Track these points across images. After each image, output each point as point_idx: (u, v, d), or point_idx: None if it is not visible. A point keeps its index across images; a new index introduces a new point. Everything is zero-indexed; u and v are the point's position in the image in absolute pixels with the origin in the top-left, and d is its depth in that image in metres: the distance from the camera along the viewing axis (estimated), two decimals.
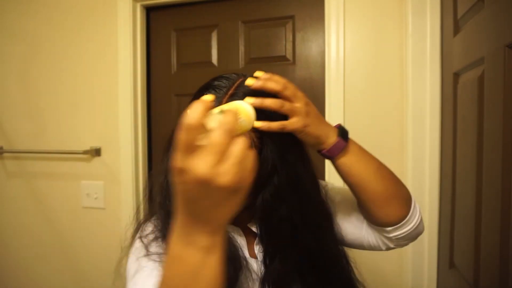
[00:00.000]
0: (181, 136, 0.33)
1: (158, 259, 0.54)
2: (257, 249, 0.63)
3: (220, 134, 0.33)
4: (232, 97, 0.52)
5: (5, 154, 1.63)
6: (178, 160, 0.33)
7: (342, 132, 0.59)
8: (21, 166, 1.62)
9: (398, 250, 1.24)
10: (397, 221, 0.61)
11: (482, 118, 0.76)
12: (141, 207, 0.68)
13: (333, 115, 1.24)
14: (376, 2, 1.22)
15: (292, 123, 0.52)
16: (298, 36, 1.35)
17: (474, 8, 0.83)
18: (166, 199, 0.58)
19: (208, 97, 0.38)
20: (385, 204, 0.61)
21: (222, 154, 0.33)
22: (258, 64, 1.40)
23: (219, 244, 0.38)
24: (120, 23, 1.45)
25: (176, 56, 1.51)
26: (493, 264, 0.69)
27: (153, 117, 1.55)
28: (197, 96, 0.57)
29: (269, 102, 0.50)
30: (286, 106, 0.51)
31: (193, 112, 0.33)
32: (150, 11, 1.53)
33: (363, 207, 0.63)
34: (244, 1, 1.41)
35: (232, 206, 0.37)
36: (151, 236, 0.58)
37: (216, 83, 0.55)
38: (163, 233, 0.57)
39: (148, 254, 0.55)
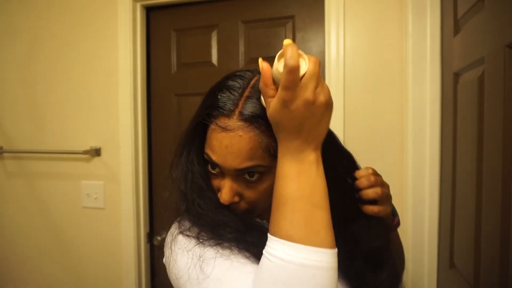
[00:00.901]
0: (288, 77, 0.42)
1: (215, 247, 0.51)
2: None
3: (313, 66, 0.44)
4: (248, 99, 0.51)
5: (5, 154, 1.63)
6: (289, 94, 0.43)
7: (394, 212, 0.66)
8: (21, 166, 1.62)
9: None
10: None
11: (482, 118, 0.76)
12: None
13: (333, 115, 1.24)
14: (376, 2, 1.22)
15: (383, 210, 0.59)
16: (298, 36, 1.35)
17: (474, 8, 0.83)
18: (198, 198, 0.57)
19: (289, 41, 0.44)
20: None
21: (317, 80, 0.43)
22: (258, 64, 1.40)
23: (320, 159, 0.46)
24: (120, 23, 1.45)
25: (176, 56, 1.51)
26: (493, 264, 0.69)
27: (153, 117, 1.55)
28: (211, 95, 0.55)
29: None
30: (370, 193, 0.58)
31: (293, 57, 0.42)
32: (150, 11, 1.53)
33: None
34: (244, 1, 1.41)
35: (327, 122, 0.47)
36: (194, 230, 0.55)
37: (230, 83, 0.54)
38: (205, 227, 0.55)
39: (200, 241, 0.53)
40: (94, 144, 1.51)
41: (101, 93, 1.50)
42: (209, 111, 0.53)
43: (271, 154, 0.51)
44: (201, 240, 0.53)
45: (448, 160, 1.06)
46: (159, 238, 1.51)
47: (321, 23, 1.31)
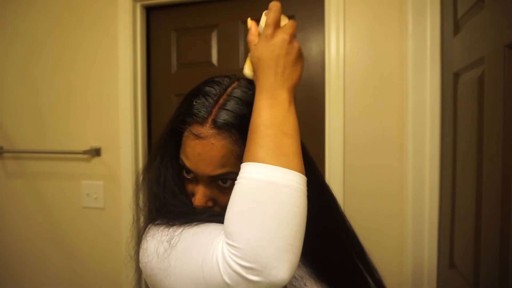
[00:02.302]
0: (272, 15, 0.51)
1: (183, 224, 0.50)
2: None
3: (291, 22, 0.53)
4: (222, 108, 0.51)
5: (5, 154, 1.63)
6: (270, 30, 0.51)
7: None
8: (21, 166, 1.62)
9: (398, 250, 1.25)
10: None
11: (482, 118, 0.76)
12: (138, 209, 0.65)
13: (333, 115, 1.24)
14: (376, 2, 1.22)
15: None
16: (298, 36, 1.35)
17: (474, 8, 0.83)
18: (170, 200, 0.56)
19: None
20: None
21: (292, 32, 0.53)
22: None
23: (292, 100, 0.50)
24: (120, 23, 1.45)
25: (176, 56, 1.51)
26: (493, 264, 0.69)
27: (153, 117, 1.55)
28: (187, 100, 0.55)
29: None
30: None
31: (276, 4, 0.52)
32: (150, 11, 1.53)
33: None
34: (244, 1, 1.41)
35: (299, 68, 0.54)
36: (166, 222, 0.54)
37: (207, 89, 0.54)
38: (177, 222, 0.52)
39: (170, 224, 0.51)
40: (94, 144, 1.51)
41: (101, 93, 1.50)
42: (183, 117, 0.53)
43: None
44: (170, 223, 0.51)
45: (448, 160, 1.06)
46: None
47: (321, 23, 1.31)
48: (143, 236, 0.56)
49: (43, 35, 1.56)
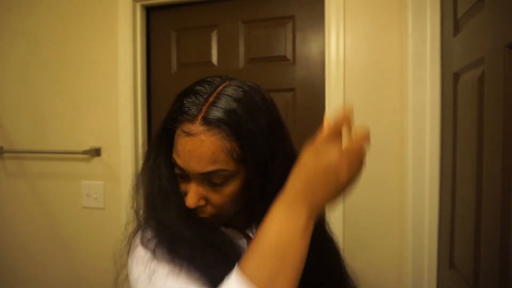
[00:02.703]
0: (331, 124, 0.43)
1: (169, 264, 0.52)
2: None
3: (362, 145, 0.44)
4: (212, 105, 0.51)
5: (5, 154, 1.63)
6: (320, 141, 0.44)
7: None
8: (21, 166, 1.62)
9: (398, 249, 1.25)
10: None
11: (482, 118, 0.76)
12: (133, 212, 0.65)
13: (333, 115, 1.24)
14: (376, 2, 1.22)
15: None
16: (298, 36, 1.35)
17: (474, 8, 0.83)
18: (161, 204, 0.57)
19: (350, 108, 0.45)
20: None
21: (356, 158, 0.43)
22: (258, 64, 1.40)
23: (310, 230, 0.44)
24: (120, 23, 1.45)
25: (176, 56, 1.51)
26: (493, 264, 0.69)
27: (153, 117, 1.55)
28: (179, 100, 0.55)
29: None
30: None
31: (347, 112, 0.43)
32: (150, 11, 1.53)
33: None
34: (244, 1, 1.41)
35: (335, 200, 0.44)
36: (153, 242, 0.56)
37: (197, 88, 0.54)
38: (163, 239, 0.55)
39: (156, 258, 0.53)
40: (94, 144, 1.51)
41: (101, 93, 1.50)
42: (174, 116, 0.54)
43: (234, 159, 0.52)
44: (156, 254, 0.53)
45: (448, 160, 1.06)
46: None
47: (321, 23, 1.31)
48: (131, 251, 0.59)
49: (43, 35, 1.56)
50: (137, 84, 1.47)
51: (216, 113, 0.51)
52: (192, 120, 0.51)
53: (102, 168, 1.51)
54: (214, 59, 1.46)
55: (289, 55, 1.36)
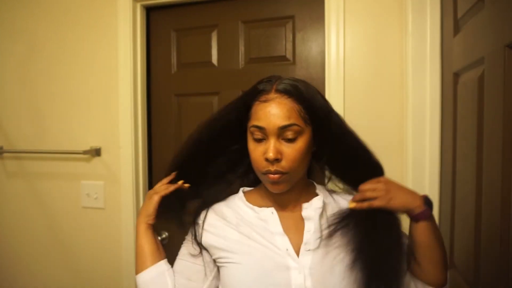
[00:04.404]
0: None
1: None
2: (307, 226, 0.74)
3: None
4: (280, 83, 0.71)
5: (5, 154, 1.63)
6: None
7: (429, 202, 0.71)
8: (21, 166, 1.62)
9: None
10: (442, 285, 0.73)
11: (482, 118, 0.76)
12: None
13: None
14: (376, 2, 1.22)
15: (376, 203, 0.69)
16: (298, 36, 1.35)
17: (474, 8, 0.83)
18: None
19: None
20: (441, 268, 0.72)
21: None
22: (258, 64, 1.40)
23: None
24: (120, 23, 1.45)
25: (176, 56, 1.51)
26: (493, 264, 0.70)
27: (153, 117, 1.55)
28: (251, 88, 0.75)
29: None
30: (368, 193, 0.70)
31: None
32: (150, 11, 1.53)
33: (422, 265, 0.71)
34: (244, 1, 1.41)
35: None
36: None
37: (264, 79, 0.74)
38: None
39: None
40: (94, 144, 1.51)
41: (101, 93, 1.50)
42: (252, 94, 0.73)
43: (302, 117, 0.69)
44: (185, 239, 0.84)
45: (448, 160, 1.06)
46: (159, 238, 1.51)
47: (321, 23, 1.31)
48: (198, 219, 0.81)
49: (43, 35, 1.56)
50: (137, 84, 1.47)
51: (284, 86, 0.70)
52: (268, 92, 0.71)
53: (102, 168, 1.51)
54: (214, 59, 1.46)
55: (289, 55, 1.36)
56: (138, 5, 1.47)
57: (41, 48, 1.56)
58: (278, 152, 0.68)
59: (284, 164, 0.69)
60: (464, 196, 0.92)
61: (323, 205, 0.77)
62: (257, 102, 0.71)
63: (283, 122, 0.68)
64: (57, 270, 1.60)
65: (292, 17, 1.36)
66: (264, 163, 0.69)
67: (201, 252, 0.77)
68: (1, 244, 1.67)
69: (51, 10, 1.55)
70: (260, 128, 0.69)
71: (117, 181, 1.49)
